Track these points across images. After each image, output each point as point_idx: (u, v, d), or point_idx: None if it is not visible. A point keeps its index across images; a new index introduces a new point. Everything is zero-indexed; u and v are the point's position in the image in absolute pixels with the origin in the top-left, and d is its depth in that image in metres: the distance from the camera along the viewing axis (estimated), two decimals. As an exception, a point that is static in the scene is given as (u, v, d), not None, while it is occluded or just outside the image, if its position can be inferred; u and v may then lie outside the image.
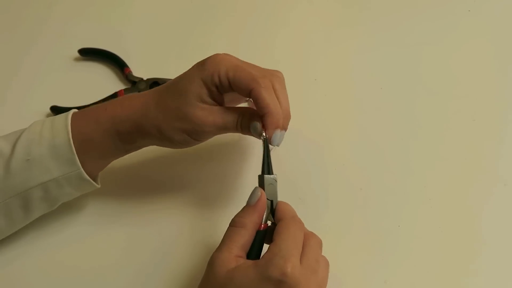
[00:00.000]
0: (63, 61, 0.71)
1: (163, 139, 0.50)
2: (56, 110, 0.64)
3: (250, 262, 0.42)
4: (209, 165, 0.60)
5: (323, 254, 0.45)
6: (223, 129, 0.50)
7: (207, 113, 0.48)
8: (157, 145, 0.52)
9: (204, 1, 0.78)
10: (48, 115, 0.65)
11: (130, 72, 0.68)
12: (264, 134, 0.48)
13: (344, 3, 0.77)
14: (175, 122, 0.49)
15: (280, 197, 0.47)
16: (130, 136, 0.50)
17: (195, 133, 0.50)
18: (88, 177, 0.50)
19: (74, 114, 0.51)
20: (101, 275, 0.54)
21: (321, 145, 0.62)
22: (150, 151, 0.56)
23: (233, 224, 0.44)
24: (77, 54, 0.71)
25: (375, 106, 0.65)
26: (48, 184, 0.49)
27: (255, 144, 0.48)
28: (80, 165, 0.49)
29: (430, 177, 0.59)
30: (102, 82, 0.69)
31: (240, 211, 0.45)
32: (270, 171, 0.47)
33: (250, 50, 0.72)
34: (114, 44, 0.71)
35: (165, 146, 0.52)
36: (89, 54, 0.71)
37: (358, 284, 0.53)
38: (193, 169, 0.60)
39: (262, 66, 0.70)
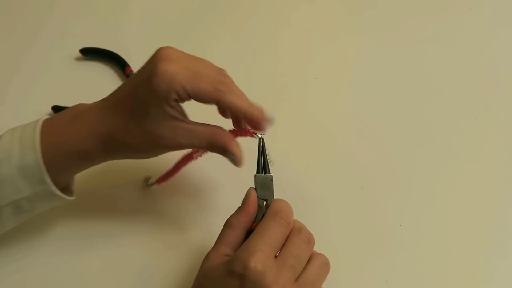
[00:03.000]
0: (64, 61, 0.71)
1: (136, 158, 0.51)
2: (58, 109, 0.64)
3: (226, 258, 0.42)
4: (204, 167, 0.60)
5: (323, 253, 0.45)
6: (189, 148, 0.50)
7: (174, 133, 0.47)
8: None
9: (206, 0, 0.78)
10: (50, 115, 0.65)
11: (131, 71, 0.68)
12: (259, 134, 0.48)
13: (345, 2, 0.77)
14: (145, 146, 0.48)
15: (281, 197, 0.46)
16: (101, 161, 0.50)
17: (164, 151, 0.50)
18: (60, 194, 0.49)
19: (43, 130, 0.48)
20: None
21: (322, 144, 0.62)
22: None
23: (224, 224, 0.45)
24: (79, 54, 0.71)
25: (376, 104, 0.65)
26: (19, 202, 0.48)
27: (253, 143, 0.48)
28: (51, 183, 0.47)
29: (431, 175, 0.59)
30: (103, 81, 0.69)
31: (233, 212, 0.46)
32: (265, 171, 0.47)
33: (251, 50, 0.72)
34: (116, 44, 0.71)
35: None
36: (90, 53, 0.71)
37: (359, 283, 0.52)
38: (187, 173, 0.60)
39: (263, 66, 0.70)
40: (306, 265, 0.43)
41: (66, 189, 0.51)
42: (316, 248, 0.44)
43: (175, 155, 0.53)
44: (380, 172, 0.59)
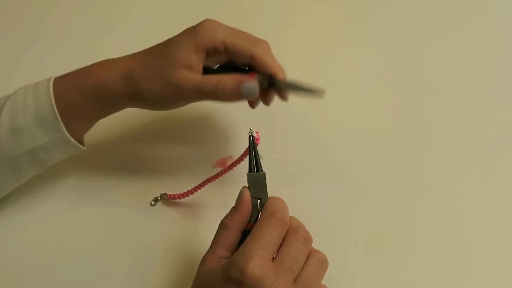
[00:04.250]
0: (65, 59, 0.71)
1: (143, 102, 0.51)
2: None
3: (224, 262, 0.41)
4: (203, 165, 0.60)
5: (325, 252, 0.44)
6: (200, 92, 0.49)
7: (185, 75, 0.49)
8: (137, 107, 0.53)
9: (210, 3, 0.78)
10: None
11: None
12: (250, 131, 0.47)
13: (348, 2, 0.77)
14: (155, 86, 0.49)
15: (283, 196, 0.45)
16: (112, 101, 0.51)
17: (173, 99, 0.51)
18: (74, 141, 0.51)
19: (55, 80, 0.51)
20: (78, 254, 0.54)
21: (324, 143, 0.62)
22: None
23: (219, 225, 0.45)
24: (81, 51, 0.70)
25: (379, 104, 0.65)
26: (36, 150, 0.50)
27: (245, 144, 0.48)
28: (66, 131, 0.50)
29: (434, 175, 0.59)
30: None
31: (227, 213, 0.45)
32: (257, 169, 0.46)
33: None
34: (117, 42, 0.71)
35: (146, 108, 0.53)
36: None
37: (362, 283, 0.52)
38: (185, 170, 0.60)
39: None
40: (304, 264, 0.42)
41: (79, 142, 0.53)
42: (319, 248, 0.44)
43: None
44: (383, 172, 0.59)
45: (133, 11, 0.77)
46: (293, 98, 0.66)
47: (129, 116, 0.64)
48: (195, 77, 0.49)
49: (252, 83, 0.48)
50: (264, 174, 0.46)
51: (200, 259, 0.44)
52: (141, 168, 0.60)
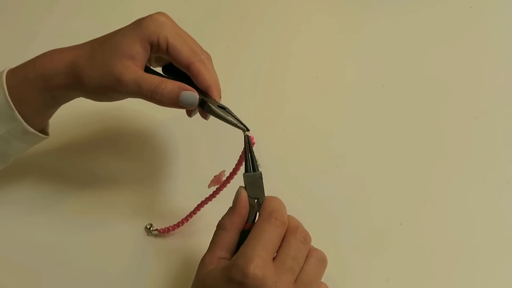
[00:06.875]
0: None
1: (85, 91, 0.50)
2: None
3: (224, 263, 0.41)
4: (199, 164, 0.60)
5: (322, 250, 0.44)
6: (138, 88, 0.48)
7: (127, 67, 0.48)
8: (83, 97, 0.52)
9: (208, 3, 0.78)
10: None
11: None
12: (246, 131, 0.46)
13: (347, 3, 0.77)
14: (96, 75, 0.48)
15: (281, 196, 0.45)
16: (58, 91, 0.50)
17: (111, 90, 0.49)
18: (33, 130, 0.51)
19: (9, 71, 0.51)
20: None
21: (322, 143, 0.62)
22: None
23: (217, 226, 0.44)
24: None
25: (376, 103, 0.65)
26: None
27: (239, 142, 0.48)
28: (22, 120, 0.49)
29: (432, 174, 0.59)
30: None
31: (225, 214, 0.45)
32: (254, 169, 0.45)
33: (252, 50, 0.72)
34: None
35: (89, 98, 0.52)
36: None
37: (360, 283, 0.52)
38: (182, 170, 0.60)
39: (264, 66, 0.70)
40: (303, 263, 0.42)
41: (42, 132, 0.53)
42: (317, 247, 0.44)
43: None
44: (380, 171, 0.59)
45: (131, 12, 0.77)
46: (292, 98, 0.67)
47: (110, 127, 0.65)
48: (137, 71, 0.48)
49: (193, 93, 0.47)
50: (261, 173, 0.45)
51: (199, 260, 0.44)
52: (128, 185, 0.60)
